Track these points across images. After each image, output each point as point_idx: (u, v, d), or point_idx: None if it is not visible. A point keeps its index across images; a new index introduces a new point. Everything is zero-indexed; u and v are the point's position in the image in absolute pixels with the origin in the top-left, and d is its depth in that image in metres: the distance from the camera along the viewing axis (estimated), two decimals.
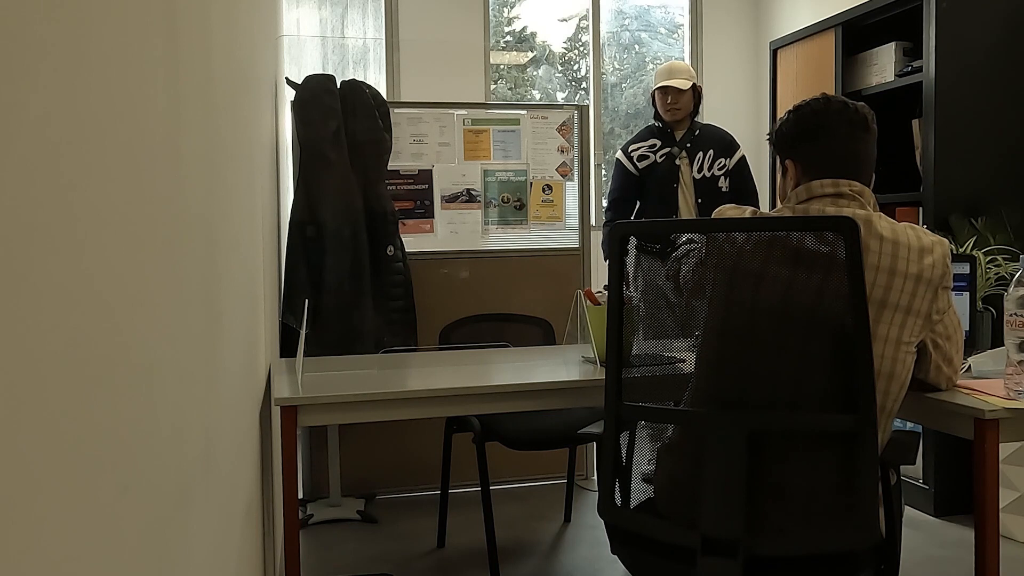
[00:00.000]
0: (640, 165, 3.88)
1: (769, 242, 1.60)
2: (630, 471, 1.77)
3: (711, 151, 3.87)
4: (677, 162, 3.85)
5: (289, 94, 3.56)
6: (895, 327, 1.68)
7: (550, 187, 4.00)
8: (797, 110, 1.83)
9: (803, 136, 1.81)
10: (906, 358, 1.71)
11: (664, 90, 3.86)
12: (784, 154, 1.85)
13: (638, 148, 3.93)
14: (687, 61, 5.61)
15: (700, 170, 3.85)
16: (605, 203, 4.25)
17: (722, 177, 3.86)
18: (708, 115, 5.53)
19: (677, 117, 3.87)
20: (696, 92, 3.90)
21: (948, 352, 1.82)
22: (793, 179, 1.84)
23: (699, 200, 3.84)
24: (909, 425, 3.00)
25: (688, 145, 3.86)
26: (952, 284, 1.76)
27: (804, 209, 1.78)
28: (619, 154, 4.01)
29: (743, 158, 3.94)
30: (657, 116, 3.94)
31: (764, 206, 5.27)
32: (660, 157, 3.85)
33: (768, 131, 1.95)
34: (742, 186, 3.92)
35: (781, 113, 1.94)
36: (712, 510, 1.58)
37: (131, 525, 0.71)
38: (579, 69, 5.70)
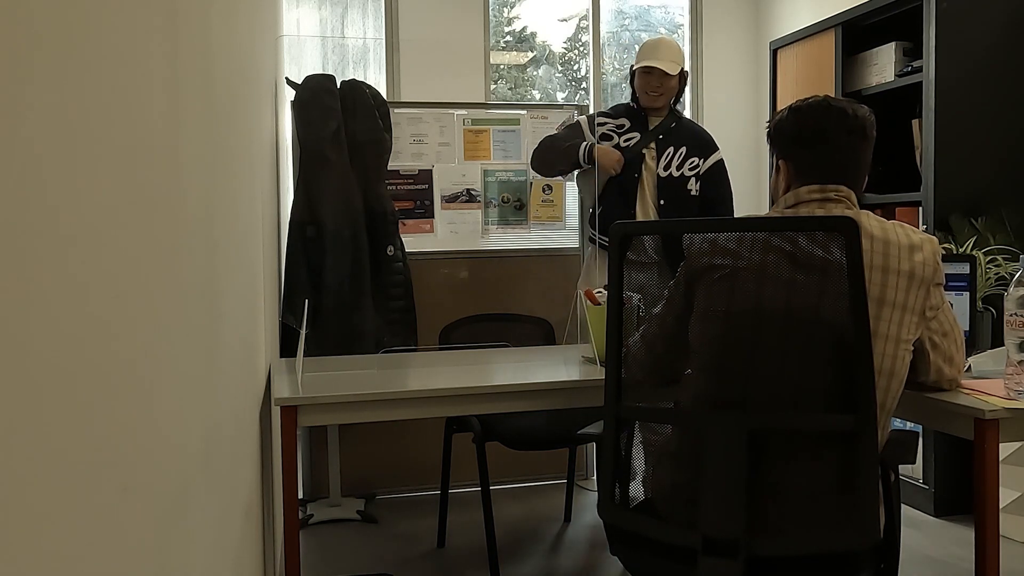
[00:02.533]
0: (600, 142, 3.38)
1: (769, 242, 1.60)
2: (630, 471, 1.77)
3: (684, 148, 3.36)
4: (643, 152, 3.38)
5: (289, 94, 3.56)
6: (894, 324, 1.68)
7: (550, 187, 4.00)
8: (797, 111, 1.80)
9: (800, 140, 1.79)
10: (905, 356, 1.71)
11: (648, 71, 3.34)
12: (779, 153, 1.85)
13: (605, 123, 3.43)
14: (687, 61, 5.61)
15: (667, 167, 3.35)
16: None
17: (693, 179, 3.37)
18: (708, 115, 5.53)
19: (658, 104, 3.37)
20: (683, 78, 3.41)
21: (948, 351, 1.82)
22: (784, 180, 1.83)
23: (661, 201, 3.33)
24: (909, 425, 2.99)
25: (660, 137, 3.39)
26: (944, 281, 1.76)
27: (793, 214, 1.77)
28: (582, 117, 3.53)
29: (721, 162, 3.45)
30: (634, 97, 3.45)
31: (763, 207, 5.27)
32: (625, 141, 3.36)
33: (767, 120, 1.92)
34: (715, 193, 3.40)
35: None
36: (713, 510, 1.57)
37: (131, 525, 0.71)
38: (579, 69, 5.70)
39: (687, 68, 3.52)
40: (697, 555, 1.58)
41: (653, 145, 3.37)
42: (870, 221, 1.72)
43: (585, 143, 3.40)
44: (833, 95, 1.83)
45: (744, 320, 1.62)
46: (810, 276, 1.57)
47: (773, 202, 1.88)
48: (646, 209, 3.36)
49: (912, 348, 1.74)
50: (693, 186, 3.37)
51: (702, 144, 3.42)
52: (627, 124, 3.41)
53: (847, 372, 1.56)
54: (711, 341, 1.67)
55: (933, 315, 1.75)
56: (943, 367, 1.83)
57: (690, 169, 3.36)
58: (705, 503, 1.58)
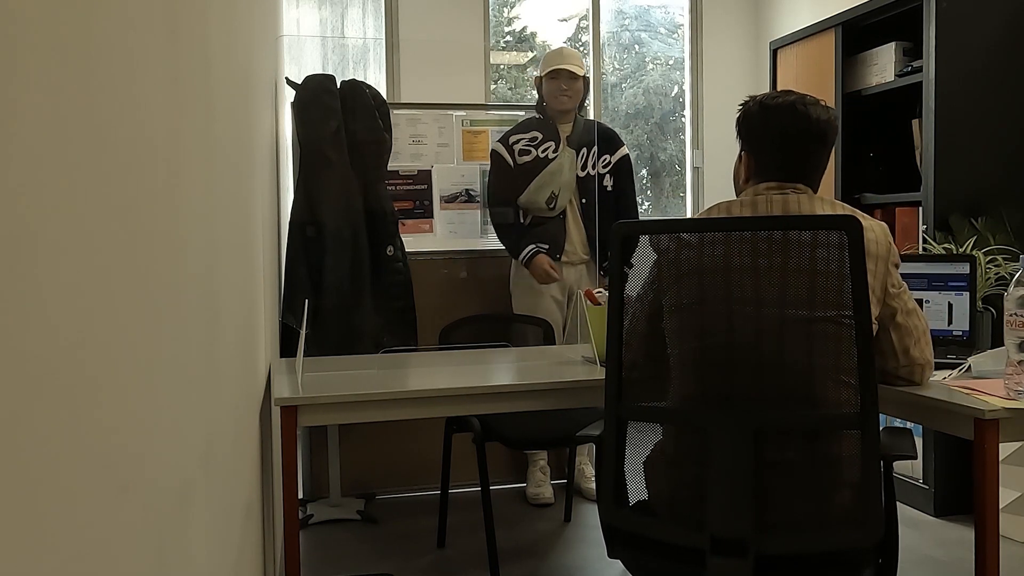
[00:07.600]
0: (520, 160, 3.60)
1: (762, 240, 1.59)
2: (631, 472, 1.77)
3: (594, 148, 3.63)
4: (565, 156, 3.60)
5: (289, 94, 3.56)
6: None
7: None
8: (766, 110, 1.87)
9: (763, 140, 1.88)
10: None
11: (556, 74, 3.57)
12: (743, 144, 1.94)
13: (519, 140, 3.64)
14: (687, 61, 5.61)
15: (584, 167, 3.61)
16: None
17: (606, 175, 3.64)
18: (708, 115, 5.54)
19: (568, 107, 3.60)
20: (586, 83, 3.68)
21: (915, 331, 1.85)
22: (745, 171, 1.93)
23: (583, 200, 3.60)
24: (910, 425, 2.99)
25: (574, 140, 3.62)
26: (900, 263, 1.84)
27: (753, 208, 1.85)
28: (496, 145, 3.70)
29: (627, 156, 3.71)
30: (541, 106, 3.68)
31: None
32: (542, 152, 3.59)
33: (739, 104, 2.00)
34: (625, 185, 3.68)
35: None
36: (720, 510, 1.57)
37: (131, 525, 0.71)
38: None
39: (587, 75, 3.75)
40: (704, 555, 1.58)
41: (572, 149, 3.60)
42: (825, 207, 1.81)
43: (524, 253, 3.58)
44: (832, 95, 1.87)
45: (746, 319, 1.61)
46: (810, 273, 1.57)
47: (736, 185, 1.98)
48: (573, 210, 3.60)
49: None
50: (608, 182, 3.64)
51: (608, 141, 3.68)
52: (540, 136, 3.63)
53: (849, 369, 1.57)
54: (714, 340, 1.66)
55: (896, 293, 1.81)
56: (910, 348, 1.86)
57: (603, 167, 3.64)
58: (712, 502, 1.58)
